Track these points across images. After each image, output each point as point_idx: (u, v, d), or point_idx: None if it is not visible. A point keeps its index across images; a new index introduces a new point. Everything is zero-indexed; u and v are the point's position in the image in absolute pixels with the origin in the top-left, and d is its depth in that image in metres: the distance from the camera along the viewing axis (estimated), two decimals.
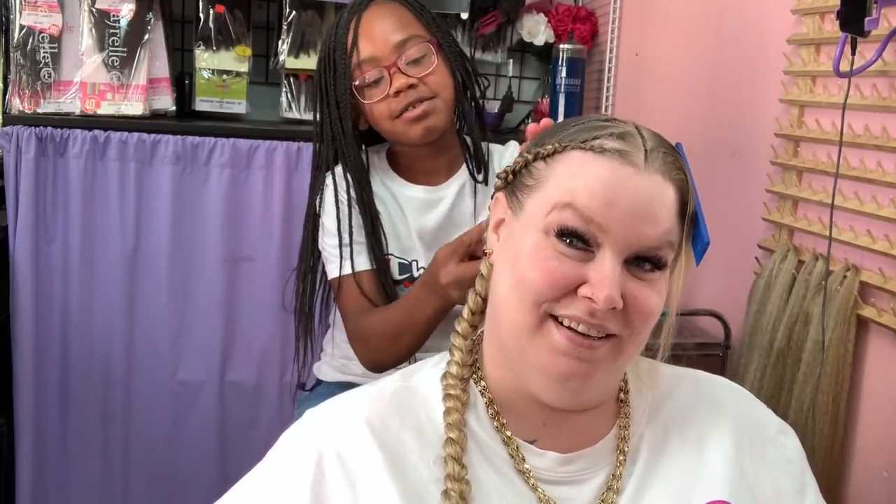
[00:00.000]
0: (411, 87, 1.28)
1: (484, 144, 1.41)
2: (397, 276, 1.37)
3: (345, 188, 1.34)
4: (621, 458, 0.80)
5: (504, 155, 1.43)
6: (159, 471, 2.04)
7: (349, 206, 1.34)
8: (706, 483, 0.80)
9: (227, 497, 0.78)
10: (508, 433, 0.79)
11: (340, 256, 1.32)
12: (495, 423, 0.79)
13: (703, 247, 0.79)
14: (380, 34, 1.29)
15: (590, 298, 0.71)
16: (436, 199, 1.38)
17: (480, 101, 1.44)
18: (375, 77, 1.30)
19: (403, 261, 1.37)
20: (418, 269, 1.37)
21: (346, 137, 1.34)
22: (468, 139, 1.41)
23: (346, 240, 1.33)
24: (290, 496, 0.73)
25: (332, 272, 1.35)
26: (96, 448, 2.02)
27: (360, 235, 1.34)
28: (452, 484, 0.73)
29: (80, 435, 2.00)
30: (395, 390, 0.80)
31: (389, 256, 1.36)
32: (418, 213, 1.38)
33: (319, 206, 1.37)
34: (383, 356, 1.27)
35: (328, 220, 1.35)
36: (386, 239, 1.35)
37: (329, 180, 1.36)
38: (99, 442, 2.02)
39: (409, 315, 1.23)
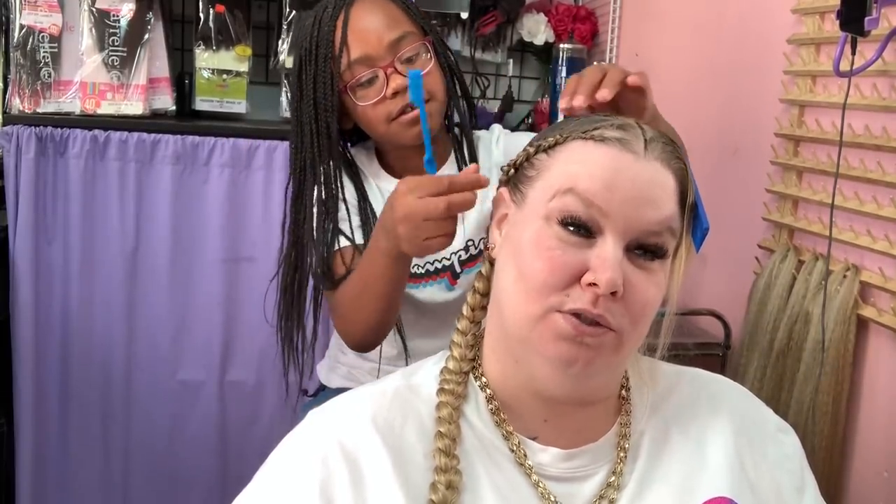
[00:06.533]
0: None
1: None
2: None
3: (332, 186, 1.28)
4: (622, 454, 0.80)
5: (491, 140, 1.37)
6: (159, 471, 2.05)
7: (339, 198, 1.28)
8: (707, 480, 0.80)
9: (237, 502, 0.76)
10: (510, 428, 0.79)
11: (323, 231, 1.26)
12: (496, 419, 0.79)
13: (702, 232, 0.79)
14: (373, 32, 1.23)
15: (593, 284, 0.72)
16: None
17: (471, 98, 1.39)
18: (369, 77, 1.23)
19: None
20: None
21: (332, 139, 1.27)
22: (457, 132, 1.36)
23: (329, 224, 1.26)
24: (300, 497, 0.72)
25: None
26: (96, 448, 2.02)
27: (344, 222, 1.27)
28: (439, 476, 0.73)
29: (80, 435, 2.00)
30: (397, 389, 0.80)
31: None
32: None
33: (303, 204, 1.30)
34: (353, 326, 1.21)
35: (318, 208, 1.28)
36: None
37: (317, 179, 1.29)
38: (99, 442, 2.02)
39: (363, 270, 1.15)
